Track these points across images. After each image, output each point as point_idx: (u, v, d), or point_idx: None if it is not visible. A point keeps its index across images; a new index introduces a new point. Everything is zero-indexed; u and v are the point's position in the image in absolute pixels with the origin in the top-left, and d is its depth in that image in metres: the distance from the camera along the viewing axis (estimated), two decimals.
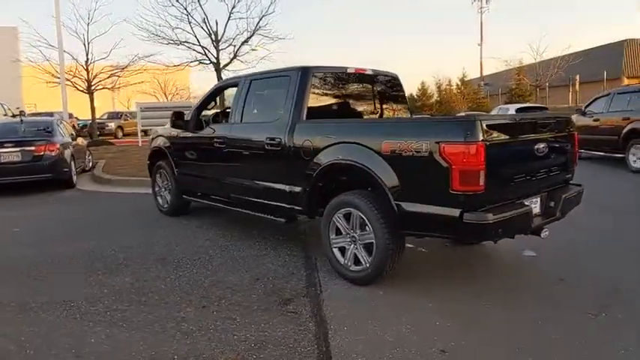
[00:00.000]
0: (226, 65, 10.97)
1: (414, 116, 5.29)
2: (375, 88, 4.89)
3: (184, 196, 5.80)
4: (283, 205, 4.30)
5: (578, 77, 28.87)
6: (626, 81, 34.39)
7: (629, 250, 4.43)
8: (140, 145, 15.86)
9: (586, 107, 11.52)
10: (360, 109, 4.77)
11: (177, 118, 5.48)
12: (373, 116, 4.83)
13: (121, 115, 27.73)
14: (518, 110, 18.29)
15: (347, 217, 3.73)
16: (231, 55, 11.03)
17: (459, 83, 47.32)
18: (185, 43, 11.51)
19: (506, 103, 33.86)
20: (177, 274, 4.01)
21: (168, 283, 3.81)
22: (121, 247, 4.81)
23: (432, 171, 3.09)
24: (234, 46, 11.09)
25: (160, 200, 6.34)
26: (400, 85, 5.12)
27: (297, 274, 3.98)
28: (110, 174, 9.75)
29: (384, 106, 4.96)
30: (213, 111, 6.26)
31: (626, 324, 2.97)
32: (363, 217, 3.54)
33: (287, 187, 4.22)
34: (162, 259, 4.43)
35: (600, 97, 11.07)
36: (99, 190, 8.71)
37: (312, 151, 3.92)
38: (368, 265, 3.56)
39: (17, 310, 3.34)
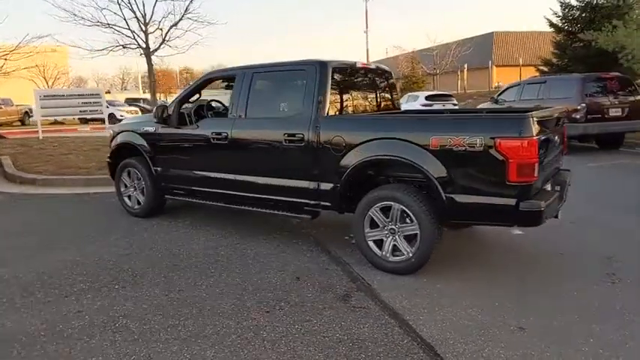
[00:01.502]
0: (155, 50, 10.20)
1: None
2: (376, 82, 5.01)
3: (166, 197, 5.41)
4: (306, 201, 4.26)
5: (466, 66, 31.76)
6: (495, 69, 38.78)
7: (577, 221, 5.17)
8: (41, 137, 14.11)
9: (498, 96, 12.83)
10: (367, 102, 4.86)
11: (164, 113, 5.06)
12: (376, 109, 4.96)
13: None
14: (427, 98, 19.70)
15: (384, 210, 3.84)
16: (160, 40, 10.28)
17: None
18: (113, 26, 10.44)
19: (402, 90, 36.09)
20: (207, 281, 3.80)
21: (206, 291, 3.60)
22: (120, 256, 4.39)
23: (487, 164, 3.33)
24: (162, 29, 10.34)
25: (129, 201, 5.83)
26: (392, 78, 5.31)
27: (332, 269, 4.01)
28: (32, 173, 8.60)
29: (384, 98, 5.11)
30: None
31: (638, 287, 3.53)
32: (407, 209, 3.68)
33: (311, 184, 4.19)
34: (175, 266, 4.15)
35: (511, 86, 12.41)
36: (26, 193, 7.64)
37: (344, 146, 3.94)
38: (411, 255, 3.72)
39: (56, 340, 2.93)
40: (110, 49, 10.38)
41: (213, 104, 5.44)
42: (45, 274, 3.98)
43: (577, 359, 2.63)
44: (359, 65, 4.71)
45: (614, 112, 10.00)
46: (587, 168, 8.60)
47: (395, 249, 3.83)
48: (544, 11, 32.22)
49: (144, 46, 10.03)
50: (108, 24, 10.20)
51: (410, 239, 3.74)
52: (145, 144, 5.43)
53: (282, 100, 4.57)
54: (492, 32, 39.52)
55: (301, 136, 4.15)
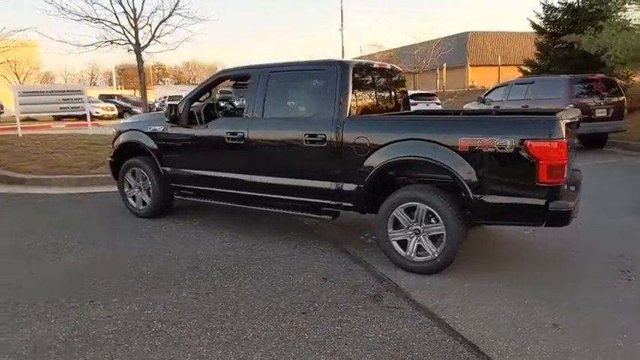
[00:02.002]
0: (145, 46, 9.94)
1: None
2: (389, 82, 5.04)
3: (176, 197, 5.32)
4: (327, 202, 4.26)
5: (445, 65, 32.19)
6: (470, 69, 39.50)
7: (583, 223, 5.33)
8: (20, 135, 13.62)
9: (485, 96, 13.07)
10: (381, 102, 4.88)
11: (174, 112, 4.96)
12: (390, 109, 4.98)
13: None
14: (410, 97, 19.85)
15: (408, 210, 3.88)
16: (149, 36, 10.02)
17: None
18: (103, 21, 10.13)
19: None
20: (234, 283, 3.76)
21: (236, 294, 3.56)
22: (136, 258, 4.30)
23: (517, 166, 3.40)
24: (150, 25, 10.11)
25: (134, 202, 5.70)
26: (403, 77, 5.36)
27: (356, 270, 4.02)
28: (21, 172, 8.31)
29: (397, 98, 5.15)
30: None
31: None
32: (433, 210, 3.72)
33: (333, 185, 4.19)
34: (196, 268, 4.09)
35: (498, 87, 12.66)
36: (17, 192, 7.38)
37: (368, 147, 3.96)
38: (436, 255, 3.77)
39: (92, 346, 2.85)
40: (98, 44, 10.11)
41: (222, 104, 5.38)
42: (62, 278, 3.87)
43: (616, 355, 2.72)
44: (375, 65, 4.73)
45: (599, 113, 10.32)
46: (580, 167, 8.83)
47: (419, 249, 3.87)
48: (525, 13, 32.90)
49: (133, 41, 9.79)
50: (98, 19, 9.93)
51: (435, 239, 3.79)
52: (153, 143, 5.32)
53: (302, 100, 4.56)
54: (467, 32, 40.16)
55: (323, 136, 4.14)
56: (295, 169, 4.41)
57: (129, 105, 32.82)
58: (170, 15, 9.97)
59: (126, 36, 9.61)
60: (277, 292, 3.58)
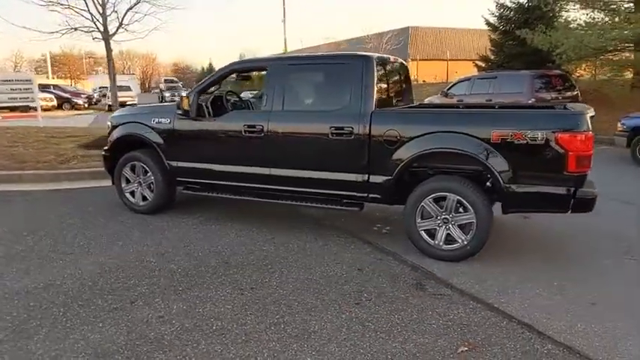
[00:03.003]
0: (113, 35, 9.37)
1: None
2: (400, 75, 5.15)
3: (185, 191, 5.15)
4: (354, 194, 4.32)
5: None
6: (411, 63, 40.68)
7: None
8: None
9: (448, 89, 13.58)
10: (395, 95, 4.98)
11: (185, 105, 4.78)
12: (401, 102, 5.10)
13: None
14: None
15: (437, 200, 4.02)
16: (117, 23, 9.45)
17: None
18: (74, 8, 9.40)
19: None
20: (274, 277, 3.72)
21: (281, 287, 3.53)
22: (158, 256, 4.15)
23: (547, 156, 3.62)
24: (117, 12, 9.56)
25: (132, 198, 5.45)
26: (409, 71, 5.49)
27: (385, 260, 4.10)
28: None
29: (406, 91, 5.27)
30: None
31: None
32: (463, 199, 3.89)
33: (359, 177, 4.25)
34: (226, 263, 4.01)
35: (462, 81, 13.19)
36: None
37: (398, 140, 4.05)
38: (466, 242, 3.94)
39: (160, 347, 2.75)
40: (64, 32, 9.42)
41: (229, 97, 5.26)
42: (87, 280, 3.66)
43: None
44: (391, 59, 4.82)
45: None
46: None
47: (447, 237, 4.02)
48: (478, 10, 34.07)
49: (102, 29, 9.22)
50: (68, 5, 9.24)
51: (463, 227, 3.96)
52: (158, 136, 5.11)
53: (325, 93, 4.55)
54: (408, 27, 41.10)
55: (350, 129, 4.18)
56: (319, 162, 4.41)
57: (67, 95, 30.89)
58: (138, 2, 9.50)
59: (95, 24, 9.04)
60: (321, 284, 3.60)
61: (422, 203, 4.04)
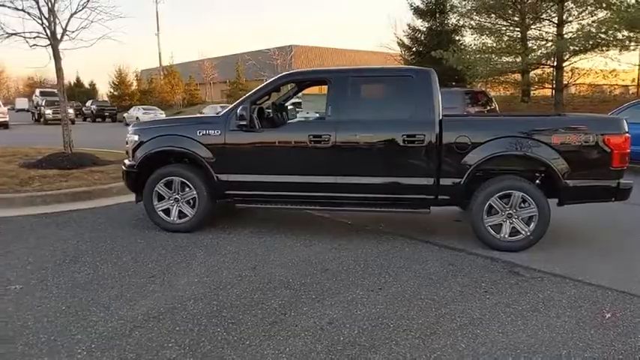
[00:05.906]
0: (59, 42, 8.33)
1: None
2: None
3: (238, 205, 5.00)
4: (424, 197, 4.66)
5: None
6: None
7: None
8: None
9: None
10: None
11: (242, 119, 4.69)
12: None
13: None
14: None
15: (501, 198, 4.55)
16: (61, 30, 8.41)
17: (164, 74, 48.95)
18: (28, 11, 8.07)
19: (229, 96, 37.00)
20: (388, 280, 3.86)
21: (402, 287, 3.72)
22: (249, 270, 4.05)
23: (597, 155, 4.38)
24: (58, 18, 8.52)
25: (166, 216, 5.11)
26: None
27: (457, 255, 4.47)
28: None
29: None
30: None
31: None
32: (527, 195, 4.47)
33: (429, 180, 4.61)
34: (326, 270, 4.07)
35: None
36: None
37: (469, 145, 4.50)
38: (529, 233, 4.52)
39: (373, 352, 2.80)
40: (6, 36, 8.15)
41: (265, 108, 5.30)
42: (207, 300, 3.46)
43: None
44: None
45: None
46: None
47: (512, 230, 4.57)
48: (350, 33, 37.09)
49: (48, 34, 8.23)
50: (18, 8, 7.97)
51: (525, 220, 4.53)
52: (205, 149, 4.91)
53: (392, 103, 4.83)
54: (291, 45, 42.77)
55: (422, 136, 4.54)
56: (389, 168, 4.68)
57: None
58: (82, 8, 8.69)
59: (45, 30, 8.07)
60: (433, 280, 3.86)
61: (489, 201, 4.54)
